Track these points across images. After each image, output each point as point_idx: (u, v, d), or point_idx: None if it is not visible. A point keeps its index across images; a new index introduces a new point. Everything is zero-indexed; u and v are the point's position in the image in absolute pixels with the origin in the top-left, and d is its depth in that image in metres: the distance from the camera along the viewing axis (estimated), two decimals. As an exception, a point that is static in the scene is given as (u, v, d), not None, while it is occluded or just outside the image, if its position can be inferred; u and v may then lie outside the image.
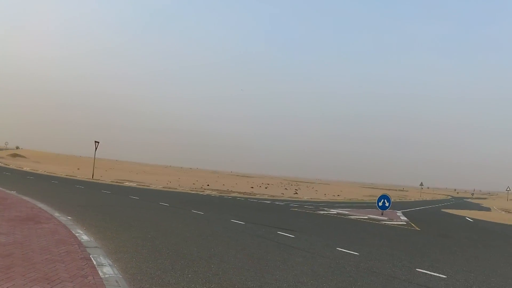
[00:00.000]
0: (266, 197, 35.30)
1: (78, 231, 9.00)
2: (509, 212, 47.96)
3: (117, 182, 36.94)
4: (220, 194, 33.08)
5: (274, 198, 34.98)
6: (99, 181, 35.30)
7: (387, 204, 22.14)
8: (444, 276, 7.71)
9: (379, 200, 22.52)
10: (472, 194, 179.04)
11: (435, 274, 7.86)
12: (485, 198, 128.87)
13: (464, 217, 30.74)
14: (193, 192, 32.81)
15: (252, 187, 57.76)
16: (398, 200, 59.09)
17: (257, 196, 34.71)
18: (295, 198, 38.93)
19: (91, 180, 35.71)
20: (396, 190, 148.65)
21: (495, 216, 35.50)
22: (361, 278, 6.89)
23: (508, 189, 75.60)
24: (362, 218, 19.88)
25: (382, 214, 22.24)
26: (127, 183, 36.35)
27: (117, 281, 5.27)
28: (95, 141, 39.34)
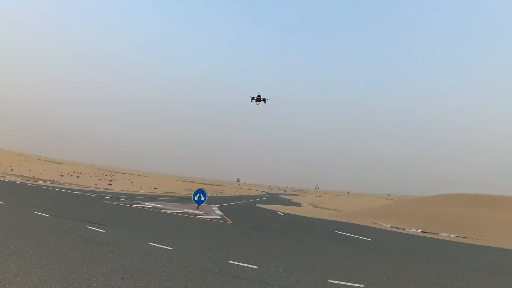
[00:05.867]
0: (76, 187, 33.28)
1: None
2: (316, 207, 55.21)
3: None
4: (25, 181, 30.27)
5: (85, 188, 33.18)
6: None
7: (202, 199, 23.18)
8: (256, 267, 8.50)
9: (195, 194, 23.40)
10: (285, 190, 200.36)
11: (247, 265, 8.60)
12: (296, 195, 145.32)
13: (276, 211, 34.21)
14: (-7, 178, 29.22)
15: (62, 175, 53.53)
16: (215, 194, 62.28)
17: (66, 186, 32.52)
18: (109, 189, 37.64)
19: None
20: (213, 184, 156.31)
21: (305, 211, 40.51)
22: (174, 273, 7.09)
23: (317, 187, 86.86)
24: (177, 212, 20.35)
25: (197, 208, 23.15)
26: None
27: None
28: None
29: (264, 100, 33.89)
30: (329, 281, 7.90)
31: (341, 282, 7.86)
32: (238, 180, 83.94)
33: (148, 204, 23.26)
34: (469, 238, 19.08)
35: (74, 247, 8.40)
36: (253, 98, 34.29)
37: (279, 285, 7.20)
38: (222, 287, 6.60)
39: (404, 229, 23.10)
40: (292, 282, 7.56)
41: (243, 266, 8.49)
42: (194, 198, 23.34)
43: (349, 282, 7.98)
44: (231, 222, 18.91)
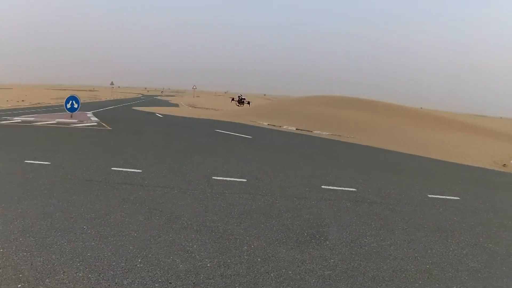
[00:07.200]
0: None
1: None
2: (195, 107, 55.43)
3: None
4: None
5: None
6: None
7: (76, 106, 21.76)
8: (140, 171, 8.50)
9: (67, 102, 21.83)
10: (162, 92, 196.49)
11: (131, 170, 8.55)
12: (174, 96, 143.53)
13: (155, 113, 33.76)
14: None
15: None
16: (89, 100, 58.99)
17: None
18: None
19: None
20: (86, 90, 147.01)
21: (183, 111, 40.52)
22: (57, 189, 6.76)
23: (194, 87, 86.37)
24: (50, 124, 18.99)
25: (71, 117, 21.83)
26: None
27: None
28: None
29: (248, 102, 29.28)
30: (213, 178, 8.25)
31: (225, 178, 8.27)
32: (112, 83, 79.61)
33: (17, 119, 21.21)
34: (340, 136, 20.83)
35: None
36: (233, 99, 29.26)
37: (164, 185, 7.35)
38: (108, 195, 6.53)
39: (280, 126, 24.41)
40: (177, 181, 7.77)
41: (126, 171, 8.41)
42: (66, 106, 21.81)
43: (233, 177, 8.43)
44: (108, 128, 18.29)
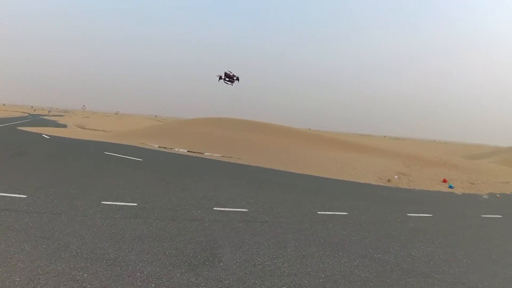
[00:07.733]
0: None
1: None
2: (84, 128, 52.78)
3: None
4: None
5: None
6: None
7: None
8: (25, 196, 8.12)
9: None
10: (49, 111, 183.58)
11: (15, 195, 8.12)
12: (62, 116, 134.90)
13: (41, 134, 31.62)
14: None
15: None
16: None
17: None
18: None
19: None
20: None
21: (71, 132, 38.38)
22: None
23: (83, 107, 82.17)
24: None
25: None
26: None
27: None
28: None
29: (238, 78, 25.99)
30: (102, 202, 8.17)
31: (114, 203, 8.22)
32: (-7, 101, 72.80)
33: None
34: (231, 157, 21.35)
35: None
36: (221, 78, 25.36)
37: (51, 212, 7.14)
38: (-11, 221, 6.20)
39: (171, 149, 24.30)
40: (65, 207, 7.57)
41: (10, 196, 7.99)
42: None
43: (122, 202, 8.41)
44: (-12, 149, 16.94)
